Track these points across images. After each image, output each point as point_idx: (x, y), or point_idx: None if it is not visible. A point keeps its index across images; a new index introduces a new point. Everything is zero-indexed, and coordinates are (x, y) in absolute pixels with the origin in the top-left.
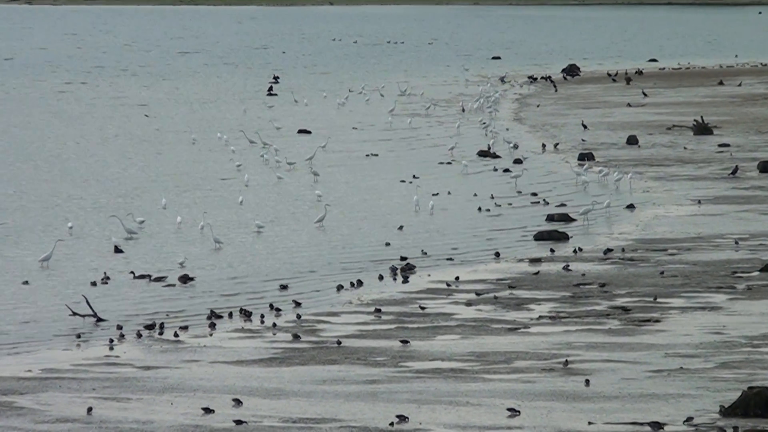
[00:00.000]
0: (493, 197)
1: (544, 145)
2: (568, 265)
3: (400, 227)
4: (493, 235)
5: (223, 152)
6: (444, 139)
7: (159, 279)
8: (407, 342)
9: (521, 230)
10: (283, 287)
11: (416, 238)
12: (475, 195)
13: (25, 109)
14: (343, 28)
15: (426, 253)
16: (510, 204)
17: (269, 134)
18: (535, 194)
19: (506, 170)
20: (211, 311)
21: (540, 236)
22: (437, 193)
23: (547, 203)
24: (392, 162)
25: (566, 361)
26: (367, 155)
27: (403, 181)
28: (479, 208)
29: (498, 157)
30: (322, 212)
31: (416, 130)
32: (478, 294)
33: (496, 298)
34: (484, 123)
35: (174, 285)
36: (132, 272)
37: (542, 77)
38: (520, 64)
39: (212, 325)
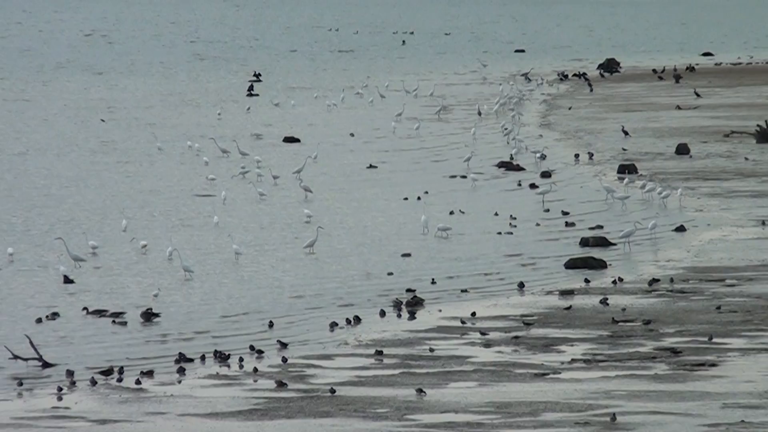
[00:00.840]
0: (515, 218)
1: (577, 155)
2: (606, 299)
3: (406, 254)
4: (516, 262)
5: (193, 164)
6: (458, 149)
7: (117, 315)
8: (422, 392)
9: (550, 257)
10: (267, 325)
11: (424, 267)
12: (496, 215)
13: None
14: (343, 16)
15: (436, 284)
16: (537, 225)
17: (248, 143)
18: (566, 213)
19: (532, 185)
20: (180, 354)
21: (572, 264)
22: (452, 212)
23: (581, 225)
24: (396, 176)
25: (613, 415)
26: (367, 167)
27: (408, 199)
28: (499, 231)
29: (522, 169)
30: (312, 236)
31: (425, 138)
32: (498, 333)
33: (519, 337)
34: (505, 129)
35: (135, 323)
36: (85, 308)
37: (575, 74)
38: (548, 59)
39: (181, 371)
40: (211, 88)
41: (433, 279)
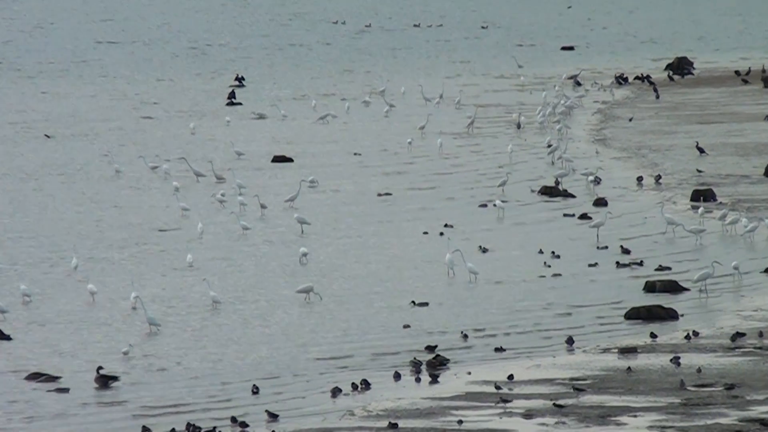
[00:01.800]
0: (558, 256)
1: (640, 179)
2: (678, 357)
3: (423, 303)
4: (563, 311)
5: (161, 190)
6: (490, 170)
7: (57, 378)
8: None
9: (606, 305)
10: (252, 391)
11: (449, 318)
12: (541, 252)
13: None
14: (350, 5)
15: (466, 338)
16: (591, 265)
17: (229, 163)
18: (626, 251)
19: (583, 215)
20: (144, 428)
21: (634, 314)
22: (485, 250)
23: (645, 265)
24: (413, 205)
25: None
26: (378, 195)
27: (429, 233)
28: (543, 273)
29: (571, 196)
30: (309, 279)
31: (449, 157)
32: (541, 400)
33: (567, 406)
34: (550, 145)
35: (83, 389)
36: (24, 371)
37: (637, 77)
38: (604, 58)
39: None
40: (183, 94)
41: (462, 332)
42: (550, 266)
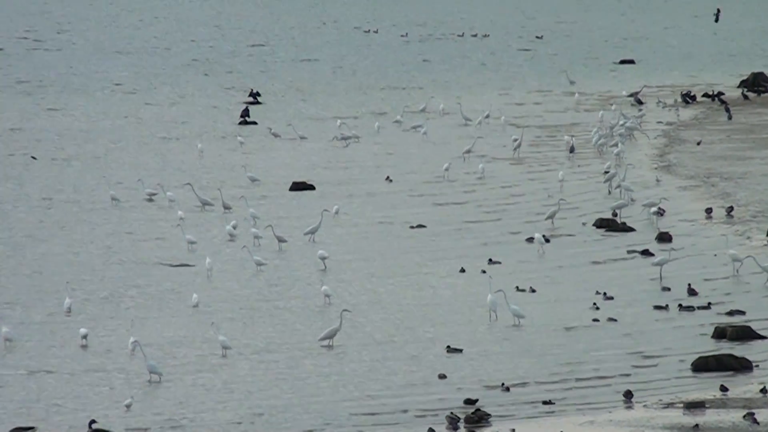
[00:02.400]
0: (610, 297)
1: (709, 210)
2: (753, 414)
3: (456, 349)
4: (621, 361)
5: (163, 219)
6: (539, 200)
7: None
8: None
9: (670, 354)
10: None
11: (490, 367)
12: (600, 293)
13: None
14: (384, 12)
15: (508, 390)
16: (660, 308)
17: (241, 190)
18: (693, 293)
19: (644, 252)
20: None
21: (703, 364)
22: (532, 290)
23: (716, 309)
24: (451, 239)
25: None
26: (411, 227)
27: (467, 271)
28: (597, 317)
29: (630, 230)
30: (333, 323)
31: (492, 184)
32: None
33: None
34: (607, 172)
35: None
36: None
37: (706, 95)
38: (668, 73)
39: None
40: (192, 113)
41: (503, 384)
42: (599, 308)
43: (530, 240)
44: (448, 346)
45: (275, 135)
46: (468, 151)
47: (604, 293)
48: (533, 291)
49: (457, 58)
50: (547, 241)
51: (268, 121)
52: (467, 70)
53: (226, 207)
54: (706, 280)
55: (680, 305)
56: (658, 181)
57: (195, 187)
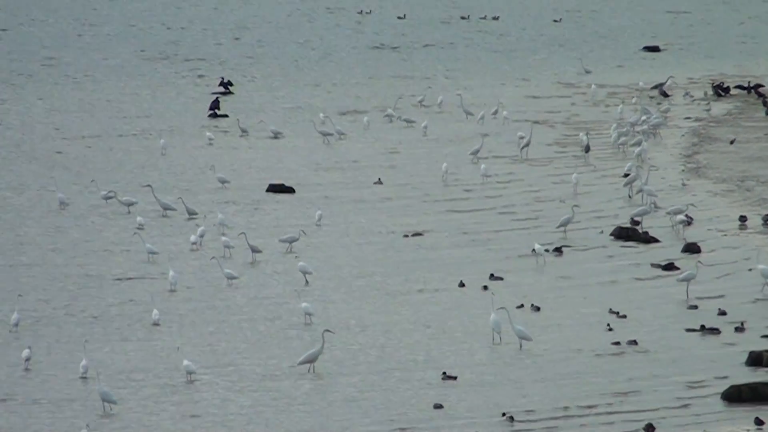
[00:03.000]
0: (623, 316)
1: (743, 218)
2: None
3: (450, 376)
4: (641, 389)
5: (119, 226)
6: (549, 206)
7: None
8: None
9: (697, 382)
10: None
11: (492, 396)
12: (615, 313)
13: None
14: None
15: (512, 420)
16: (687, 330)
17: (209, 195)
18: (723, 313)
19: (668, 266)
20: None
21: (735, 394)
22: (538, 309)
23: (750, 332)
24: (449, 249)
25: None
26: (405, 236)
27: (467, 286)
28: (617, 340)
29: (653, 240)
30: (314, 345)
31: (497, 188)
32: None
33: None
34: (627, 174)
35: None
36: None
37: (739, 86)
38: (698, 63)
39: None
40: (156, 106)
41: (504, 414)
42: (612, 329)
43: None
44: (444, 373)
45: (243, 131)
46: (476, 152)
47: (617, 312)
48: (537, 309)
49: (462, 43)
50: (560, 252)
51: (243, 115)
52: (472, 57)
53: (191, 213)
54: (739, 297)
55: (703, 326)
56: (684, 185)
57: (155, 189)
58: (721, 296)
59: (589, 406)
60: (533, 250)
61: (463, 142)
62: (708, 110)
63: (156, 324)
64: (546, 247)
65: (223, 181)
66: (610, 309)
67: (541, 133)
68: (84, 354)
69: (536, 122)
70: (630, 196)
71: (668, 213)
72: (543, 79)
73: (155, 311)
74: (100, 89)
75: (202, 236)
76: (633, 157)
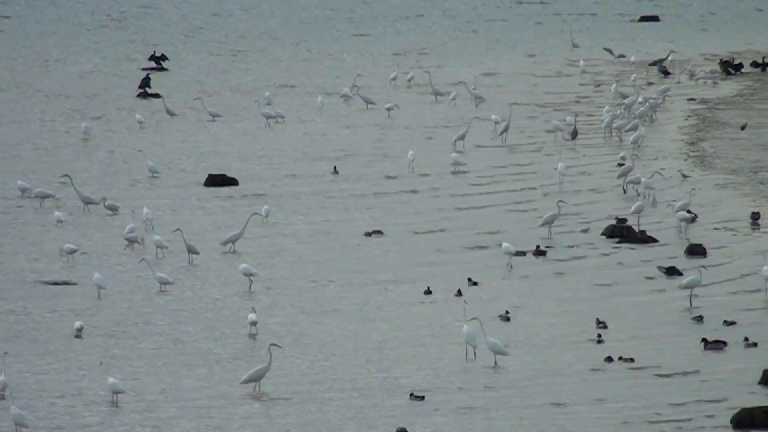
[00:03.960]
0: (605, 326)
1: (755, 215)
2: None
3: (418, 396)
4: (638, 413)
5: (37, 223)
6: (532, 199)
7: None
8: None
9: (703, 404)
10: None
11: (463, 421)
12: (602, 324)
13: None
14: None
15: None
16: (691, 344)
17: (140, 186)
18: (731, 323)
19: (670, 270)
20: None
21: (746, 419)
22: (508, 319)
23: (763, 347)
24: (416, 250)
25: None
26: (367, 234)
27: (434, 293)
28: (609, 356)
29: (652, 240)
30: (260, 362)
31: (472, 179)
32: None
33: None
34: (621, 164)
35: None
36: None
37: (755, 63)
38: (702, 36)
39: None
40: (74, 84)
41: None
42: (602, 341)
43: (521, 254)
44: (412, 394)
45: (170, 113)
46: (460, 139)
47: (604, 323)
48: (507, 319)
49: (435, 14)
50: (542, 254)
51: (177, 94)
52: (446, 29)
53: (110, 208)
54: (750, 306)
55: (705, 340)
56: (684, 177)
57: (75, 180)
58: (730, 305)
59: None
60: (503, 250)
61: (461, 129)
62: (715, 90)
63: (77, 336)
64: (518, 249)
65: (154, 172)
66: (598, 319)
67: (521, 116)
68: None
69: (515, 104)
70: (624, 190)
71: (669, 205)
72: (523, 53)
73: (77, 322)
74: (12, 64)
75: (132, 233)
76: (628, 143)
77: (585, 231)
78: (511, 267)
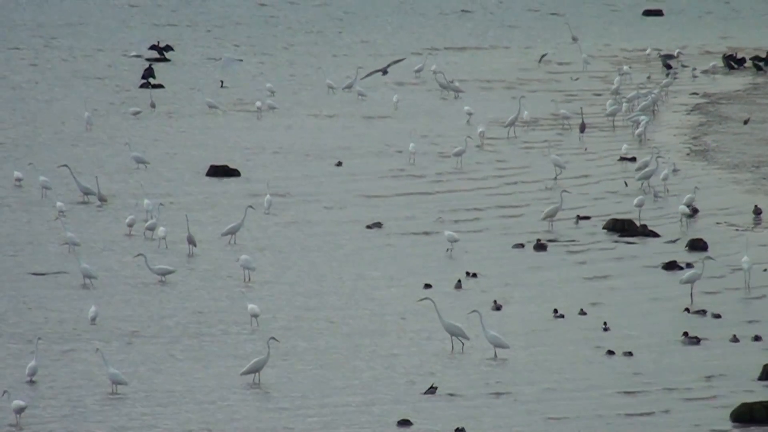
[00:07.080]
0: (605, 324)
1: (758, 211)
2: None
3: (432, 388)
4: (638, 408)
5: (35, 212)
6: (533, 193)
7: None
8: None
9: (702, 400)
10: None
11: (463, 414)
12: (606, 328)
13: None
14: None
15: None
16: (692, 340)
17: (138, 177)
18: (716, 316)
19: (671, 264)
20: None
21: (745, 413)
22: (498, 307)
23: (764, 340)
24: (416, 242)
25: None
26: (368, 227)
27: (434, 287)
28: (611, 349)
29: (653, 234)
30: (259, 353)
31: (471, 173)
32: None
33: None
34: (623, 158)
35: None
36: None
37: (756, 58)
38: (707, 29)
39: None
40: (78, 69)
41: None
42: (607, 329)
43: (520, 246)
44: (431, 387)
45: (153, 106)
46: (459, 154)
47: (604, 323)
48: (498, 308)
49: (431, 4)
50: (543, 248)
51: (181, 84)
52: (444, 20)
53: (102, 199)
54: (752, 301)
55: (688, 335)
56: (675, 171)
57: (74, 170)
58: (731, 300)
59: (580, 426)
60: (522, 245)
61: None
62: (718, 85)
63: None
64: (458, 237)
65: (139, 161)
66: (603, 321)
67: (525, 109)
68: None
69: (523, 96)
70: (626, 184)
71: (684, 204)
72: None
73: (93, 308)
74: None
75: (131, 225)
76: (634, 137)
77: (584, 218)
78: (451, 254)
